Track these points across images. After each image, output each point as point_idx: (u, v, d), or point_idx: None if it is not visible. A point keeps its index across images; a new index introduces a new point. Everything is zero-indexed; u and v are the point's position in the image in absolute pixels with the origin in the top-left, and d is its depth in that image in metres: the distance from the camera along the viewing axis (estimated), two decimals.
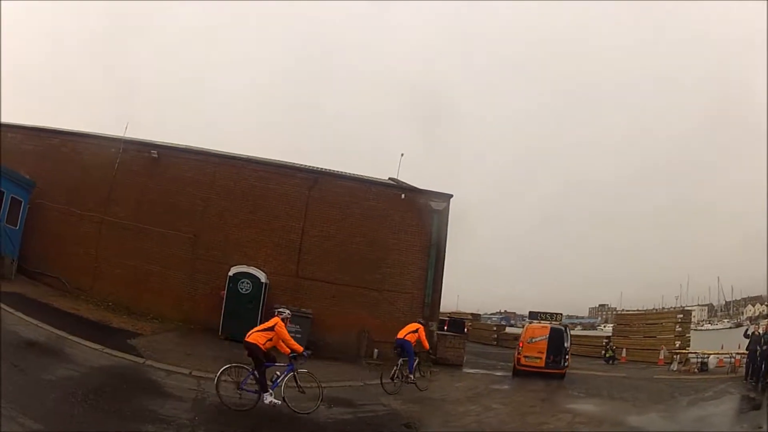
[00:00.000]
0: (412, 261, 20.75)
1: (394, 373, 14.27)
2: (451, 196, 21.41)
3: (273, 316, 11.19)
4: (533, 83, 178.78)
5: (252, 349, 10.47)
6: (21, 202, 18.85)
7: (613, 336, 31.90)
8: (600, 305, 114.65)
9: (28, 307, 14.59)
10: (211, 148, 22.48)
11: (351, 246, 20.57)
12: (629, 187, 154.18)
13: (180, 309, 19.10)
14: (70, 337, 13.02)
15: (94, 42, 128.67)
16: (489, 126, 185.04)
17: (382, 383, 14.00)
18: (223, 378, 10.47)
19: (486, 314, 71.65)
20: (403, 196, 21.24)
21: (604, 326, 73.78)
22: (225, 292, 18.56)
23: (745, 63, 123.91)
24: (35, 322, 13.30)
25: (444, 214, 21.15)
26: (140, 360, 12.84)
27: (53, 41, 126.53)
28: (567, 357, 19.40)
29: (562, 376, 18.81)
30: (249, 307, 18.20)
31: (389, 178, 23.22)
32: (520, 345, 20.09)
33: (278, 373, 10.90)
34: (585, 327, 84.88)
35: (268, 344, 10.72)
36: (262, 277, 18.90)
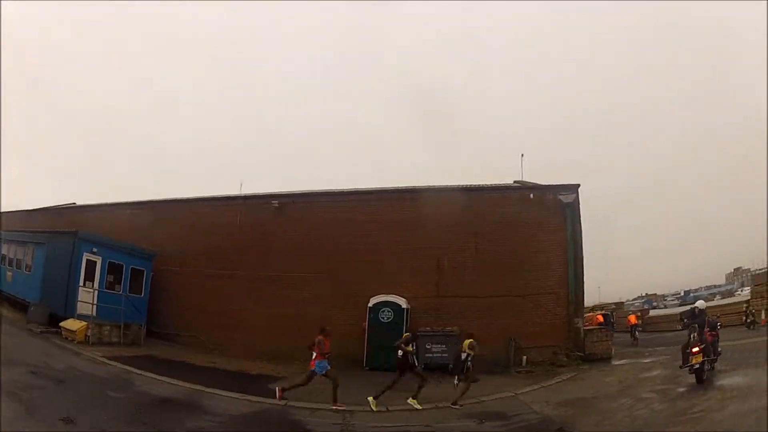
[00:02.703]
0: (552, 259, 19.29)
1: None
2: (578, 185, 19.84)
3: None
4: None
5: None
6: (143, 271, 19.58)
7: (751, 299, 28.67)
8: (735, 269, 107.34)
9: (159, 366, 14.44)
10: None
11: (489, 255, 19.35)
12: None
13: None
14: (207, 389, 12.52)
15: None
16: None
17: None
18: None
19: (628, 301, 68.20)
20: (531, 195, 19.98)
21: (741, 290, 67.66)
22: (366, 323, 17.98)
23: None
24: (168, 380, 12.95)
25: (575, 206, 19.56)
26: (282, 402, 12.03)
27: None
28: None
29: None
30: (391, 335, 17.01)
31: (514, 181, 21.96)
32: None
33: None
34: (724, 295, 78.46)
35: None
36: (403, 303, 18.21)
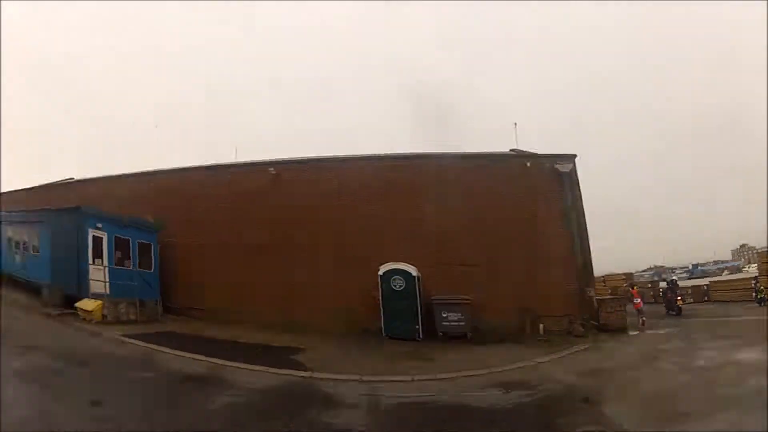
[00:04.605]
0: (555, 228, 19.33)
1: None
2: (575, 156, 20.02)
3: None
4: None
5: None
6: (150, 245, 19.17)
7: (759, 275, 28.79)
8: (741, 245, 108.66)
9: (181, 342, 14.17)
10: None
11: (493, 225, 19.26)
12: None
13: (338, 318, 18.10)
14: (231, 363, 12.32)
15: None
16: None
17: None
18: None
19: (637, 272, 69.15)
20: (528, 164, 19.94)
21: (749, 267, 68.34)
22: (380, 291, 17.76)
23: None
24: (190, 355, 12.76)
25: (573, 175, 19.69)
26: (306, 374, 12.00)
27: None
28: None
29: None
30: (405, 303, 17.48)
31: (510, 150, 21.99)
32: None
33: None
34: (731, 270, 79.48)
35: None
36: (413, 271, 17.98)
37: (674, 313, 24.99)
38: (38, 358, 10.32)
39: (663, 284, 35.07)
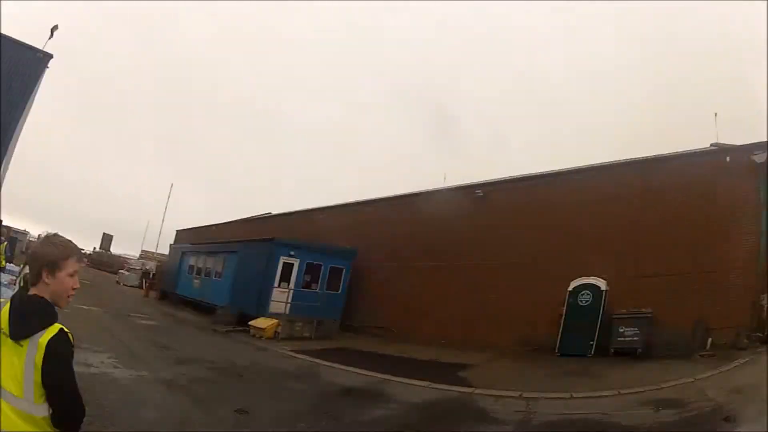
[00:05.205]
0: (743, 229, 16.77)
1: None
2: None
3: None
4: None
5: None
6: (342, 269, 20.38)
7: None
8: None
9: (348, 357, 14.91)
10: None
11: (683, 231, 17.23)
12: None
13: (518, 333, 17.95)
14: (394, 378, 12.65)
15: None
16: None
17: None
18: None
19: None
20: (728, 158, 17.53)
21: None
22: (564, 307, 17.20)
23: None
24: (355, 370, 13.29)
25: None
26: (469, 390, 11.89)
27: None
28: None
29: None
30: (587, 318, 16.73)
31: (711, 144, 19.64)
32: None
33: None
34: None
35: None
36: (602, 285, 17.11)
37: None
38: (193, 369, 11.39)
39: None
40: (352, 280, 20.54)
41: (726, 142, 18.59)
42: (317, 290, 19.27)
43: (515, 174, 21.44)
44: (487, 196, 20.53)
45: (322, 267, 19.66)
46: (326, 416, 9.18)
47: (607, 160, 20.19)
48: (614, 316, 16.37)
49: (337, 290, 19.90)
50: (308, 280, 19.37)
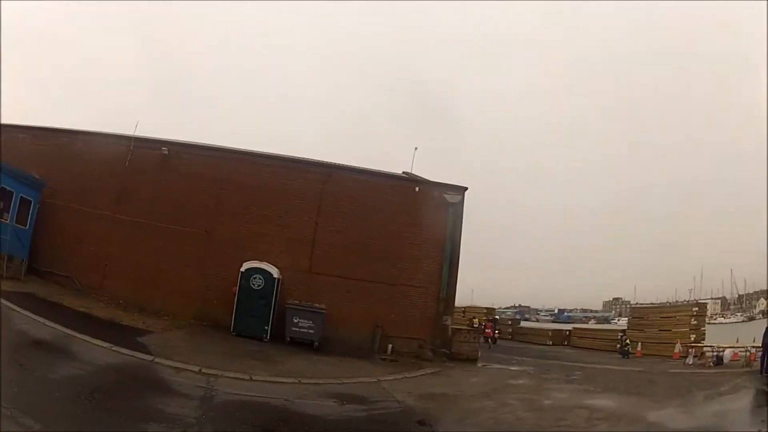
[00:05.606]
0: (427, 255, 20.49)
1: None
2: (466, 188, 21.13)
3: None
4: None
5: None
6: (31, 202, 18.64)
7: (627, 329, 32.35)
8: (614, 299, 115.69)
9: (37, 306, 14.45)
10: (222, 144, 22.07)
11: (365, 240, 20.21)
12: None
13: (192, 306, 18.86)
14: (78, 335, 12.75)
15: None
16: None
17: None
18: None
19: (500, 308, 71.64)
20: (417, 189, 20.92)
21: (618, 320, 74.05)
22: (237, 288, 18.25)
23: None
24: (43, 320, 13.13)
25: (458, 207, 20.72)
26: (149, 357, 12.50)
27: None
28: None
29: None
30: (261, 303, 18.09)
31: (403, 172, 22.68)
32: None
33: None
34: (599, 321, 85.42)
35: None
36: (275, 272, 18.58)
37: (488, 345, 30.57)
38: None
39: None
40: (45, 218, 19.03)
41: (417, 174, 21.79)
42: (8, 222, 17.37)
43: (210, 143, 22.16)
44: (176, 156, 20.90)
45: (14, 194, 17.64)
46: (20, 369, 9.13)
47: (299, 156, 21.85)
48: (288, 306, 18.11)
49: (25, 225, 18.18)
50: (1, 208, 17.29)
